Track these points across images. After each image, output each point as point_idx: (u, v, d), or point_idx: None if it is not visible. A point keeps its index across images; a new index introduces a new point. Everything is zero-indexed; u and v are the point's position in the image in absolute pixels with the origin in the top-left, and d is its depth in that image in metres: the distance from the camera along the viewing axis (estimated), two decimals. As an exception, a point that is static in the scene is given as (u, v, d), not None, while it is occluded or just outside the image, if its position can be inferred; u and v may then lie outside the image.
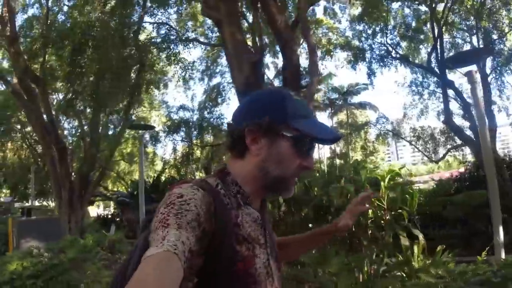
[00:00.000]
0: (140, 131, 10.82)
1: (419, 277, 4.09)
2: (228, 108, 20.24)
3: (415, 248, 5.04)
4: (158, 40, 12.49)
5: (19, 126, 17.85)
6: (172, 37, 12.71)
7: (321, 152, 21.50)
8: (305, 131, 0.91)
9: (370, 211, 4.60)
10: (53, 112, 13.03)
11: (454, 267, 4.76)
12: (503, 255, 5.67)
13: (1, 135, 18.02)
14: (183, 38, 13.58)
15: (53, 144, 11.97)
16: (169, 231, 0.71)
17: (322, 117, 22.01)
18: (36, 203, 20.86)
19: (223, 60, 17.06)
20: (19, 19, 13.75)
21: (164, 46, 12.24)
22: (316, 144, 1.00)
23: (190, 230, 0.74)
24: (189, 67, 14.27)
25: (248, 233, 0.90)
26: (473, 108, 6.55)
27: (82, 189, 12.53)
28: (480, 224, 12.06)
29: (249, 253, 0.88)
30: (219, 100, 19.25)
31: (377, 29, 14.41)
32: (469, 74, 6.25)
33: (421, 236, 4.80)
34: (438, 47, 13.86)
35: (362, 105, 21.12)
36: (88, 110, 12.61)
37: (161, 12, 12.63)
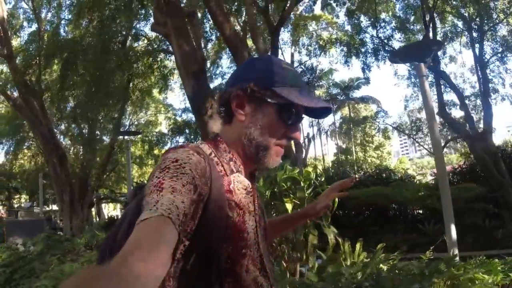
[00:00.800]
0: (127, 137, 11.15)
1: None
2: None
3: (346, 247, 5.00)
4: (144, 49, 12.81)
5: (31, 134, 18.83)
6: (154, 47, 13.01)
7: (326, 148, 21.24)
8: (290, 98, 0.88)
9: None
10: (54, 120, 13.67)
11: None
12: (456, 253, 5.55)
13: (16, 145, 19.05)
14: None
15: (53, 151, 12.61)
16: (164, 195, 0.71)
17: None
18: (55, 207, 21.94)
19: (223, 61, 17.30)
20: (22, 35, 14.59)
21: (147, 55, 12.54)
22: (305, 116, 0.97)
23: (185, 193, 0.73)
24: (168, 75, 14.30)
25: (239, 199, 0.90)
26: (423, 102, 6.38)
27: (81, 193, 13.11)
28: (475, 218, 11.65)
29: (239, 219, 0.89)
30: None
31: (369, 22, 14.10)
32: (417, 68, 6.12)
33: (331, 236, 4.74)
34: (431, 37, 13.43)
35: (363, 100, 20.63)
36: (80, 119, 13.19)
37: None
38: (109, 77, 11.43)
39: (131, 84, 12.74)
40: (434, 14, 13.18)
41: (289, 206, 4.93)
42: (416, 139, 15.81)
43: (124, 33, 11.87)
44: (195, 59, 6.25)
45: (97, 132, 13.40)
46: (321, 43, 16.55)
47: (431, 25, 13.32)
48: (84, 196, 13.22)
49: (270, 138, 0.91)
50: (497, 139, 19.28)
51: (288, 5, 11.41)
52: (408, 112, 17.14)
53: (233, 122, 0.93)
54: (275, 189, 4.94)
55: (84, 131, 13.20)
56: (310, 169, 5.39)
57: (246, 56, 6.89)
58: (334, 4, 16.27)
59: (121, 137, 11.79)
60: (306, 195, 4.97)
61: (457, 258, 5.44)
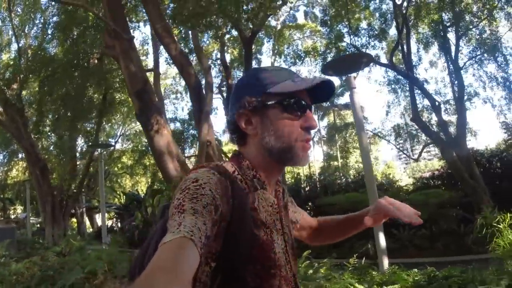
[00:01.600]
0: (99, 149, 11.44)
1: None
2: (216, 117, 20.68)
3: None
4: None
5: (23, 146, 19.44)
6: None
7: (312, 155, 21.30)
8: (287, 90, 0.89)
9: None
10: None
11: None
12: (385, 261, 5.66)
13: (9, 157, 19.63)
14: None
15: (36, 163, 13.03)
16: (185, 216, 0.71)
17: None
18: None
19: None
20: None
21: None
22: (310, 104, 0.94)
23: (206, 214, 0.73)
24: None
25: (265, 217, 0.89)
26: (353, 113, 6.54)
27: (62, 203, 13.50)
28: (449, 224, 11.63)
29: (267, 238, 0.87)
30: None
31: (344, 30, 14.26)
32: (347, 80, 6.27)
33: None
34: (405, 44, 13.54)
35: (347, 106, 20.77)
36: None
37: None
38: (83, 91, 11.85)
39: (107, 97, 13.19)
40: (408, 21, 13.32)
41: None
42: (395, 144, 15.88)
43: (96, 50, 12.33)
44: (138, 80, 6.63)
45: (78, 143, 13.92)
46: (299, 52, 16.72)
47: (404, 32, 13.46)
48: (65, 206, 13.61)
49: (288, 138, 0.89)
50: (486, 142, 19.09)
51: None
52: (389, 118, 17.15)
53: (248, 141, 0.93)
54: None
55: (63, 144, 13.65)
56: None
57: (192, 72, 7.24)
58: (309, 13, 16.62)
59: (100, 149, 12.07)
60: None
61: (386, 265, 5.57)
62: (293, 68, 17.91)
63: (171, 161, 6.85)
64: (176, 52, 7.18)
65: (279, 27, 19.20)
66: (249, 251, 0.81)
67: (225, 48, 14.99)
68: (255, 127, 0.91)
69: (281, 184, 1.01)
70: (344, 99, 20.90)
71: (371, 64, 14.74)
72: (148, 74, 10.50)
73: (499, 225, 4.39)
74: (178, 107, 29.15)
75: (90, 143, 13.03)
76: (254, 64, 16.97)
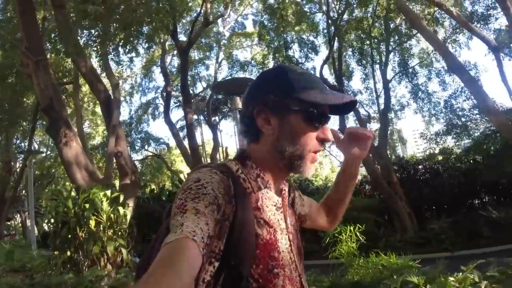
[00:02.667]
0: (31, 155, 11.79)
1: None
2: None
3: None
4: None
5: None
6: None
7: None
8: (313, 100, 0.87)
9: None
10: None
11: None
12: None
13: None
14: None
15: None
16: (188, 216, 0.71)
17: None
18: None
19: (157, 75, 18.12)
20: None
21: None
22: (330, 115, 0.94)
23: (208, 214, 0.73)
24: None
25: (268, 217, 0.89)
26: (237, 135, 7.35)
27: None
28: (368, 227, 12.62)
29: (270, 237, 0.87)
30: (156, 113, 20.40)
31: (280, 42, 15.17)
32: (233, 100, 7.14)
33: (125, 251, 5.69)
34: (336, 58, 14.65)
35: None
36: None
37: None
38: (18, 96, 12.20)
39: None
40: (339, 35, 14.42)
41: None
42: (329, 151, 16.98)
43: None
44: (45, 97, 7.30)
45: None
46: (241, 61, 17.59)
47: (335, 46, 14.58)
48: (1, 211, 13.86)
49: (303, 146, 0.89)
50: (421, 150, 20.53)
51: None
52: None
53: (261, 139, 0.92)
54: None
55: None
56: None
57: (101, 88, 7.95)
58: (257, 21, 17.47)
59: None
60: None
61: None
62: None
63: (79, 171, 7.50)
64: (86, 69, 7.86)
65: (227, 34, 20.05)
66: (253, 250, 0.82)
67: (165, 55, 15.54)
68: (272, 127, 0.90)
69: (286, 183, 1.01)
70: None
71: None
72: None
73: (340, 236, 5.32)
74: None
75: (20, 149, 13.38)
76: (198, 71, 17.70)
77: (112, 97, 7.80)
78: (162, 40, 13.84)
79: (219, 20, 17.80)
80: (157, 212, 16.88)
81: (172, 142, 19.83)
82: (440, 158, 15.20)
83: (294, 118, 0.89)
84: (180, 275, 0.60)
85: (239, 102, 6.98)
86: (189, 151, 13.57)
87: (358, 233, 5.21)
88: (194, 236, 0.67)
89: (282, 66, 0.97)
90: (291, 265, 0.90)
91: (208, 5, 14.16)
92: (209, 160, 16.86)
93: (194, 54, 18.71)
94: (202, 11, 13.36)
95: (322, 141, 0.92)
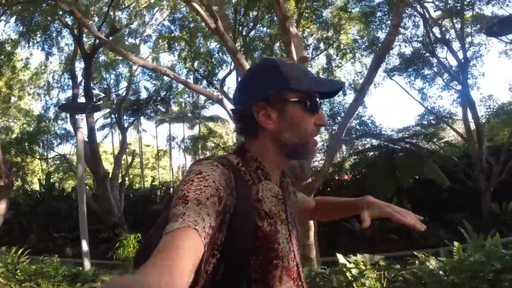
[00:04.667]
0: None
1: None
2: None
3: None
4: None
5: None
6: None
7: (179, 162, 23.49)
8: (311, 90, 0.95)
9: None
10: None
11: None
12: (87, 263, 7.85)
13: None
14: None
15: None
16: (189, 207, 0.74)
17: (179, 129, 24.36)
18: None
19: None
20: None
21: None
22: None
23: (210, 205, 0.76)
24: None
25: (269, 208, 0.93)
26: (77, 150, 8.70)
27: None
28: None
29: (271, 229, 0.91)
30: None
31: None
32: (72, 119, 8.54)
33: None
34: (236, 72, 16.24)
35: (212, 119, 23.61)
36: None
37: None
38: None
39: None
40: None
41: None
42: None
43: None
44: None
45: None
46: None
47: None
48: None
49: (305, 134, 0.96)
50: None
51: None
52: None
53: (260, 134, 0.97)
54: None
55: None
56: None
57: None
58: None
59: None
60: None
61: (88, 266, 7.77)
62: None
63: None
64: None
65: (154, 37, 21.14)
66: (253, 242, 0.86)
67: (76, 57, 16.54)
68: (274, 121, 0.94)
69: (286, 176, 1.07)
70: (209, 111, 23.77)
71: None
72: None
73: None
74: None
75: None
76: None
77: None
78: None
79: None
80: (64, 211, 17.87)
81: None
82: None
83: (293, 108, 0.94)
84: (182, 263, 0.63)
85: (80, 122, 8.31)
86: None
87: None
88: (196, 225, 0.70)
89: (271, 60, 1.01)
90: (289, 255, 0.94)
91: (117, 13, 15.40)
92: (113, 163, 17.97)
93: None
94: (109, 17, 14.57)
95: (319, 126, 0.98)
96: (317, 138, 1.00)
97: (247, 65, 8.43)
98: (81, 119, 8.52)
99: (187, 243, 0.67)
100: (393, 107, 61.14)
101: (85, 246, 8.05)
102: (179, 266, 0.62)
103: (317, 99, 0.96)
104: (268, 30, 15.87)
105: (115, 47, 10.39)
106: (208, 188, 0.79)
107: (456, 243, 4.45)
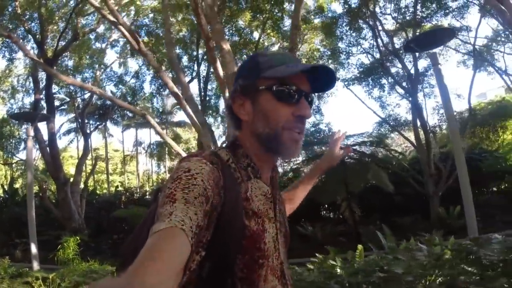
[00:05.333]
0: None
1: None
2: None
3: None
4: None
5: None
6: None
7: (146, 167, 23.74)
8: (277, 75, 0.92)
9: None
10: None
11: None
12: (36, 264, 8.16)
13: None
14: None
15: None
16: (177, 206, 0.74)
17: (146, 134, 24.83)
18: None
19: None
20: None
21: None
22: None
23: (197, 204, 0.76)
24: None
25: (257, 207, 0.93)
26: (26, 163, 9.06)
27: None
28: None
29: (258, 228, 0.91)
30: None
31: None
32: (27, 129, 8.89)
33: None
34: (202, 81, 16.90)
35: (180, 124, 24.13)
36: None
37: None
38: None
39: None
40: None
41: None
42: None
43: None
44: None
45: None
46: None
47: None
48: None
49: (275, 123, 0.93)
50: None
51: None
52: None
53: (242, 126, 0.99)
54: None
55: None
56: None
57: None
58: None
59: None
60: None
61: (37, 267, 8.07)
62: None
63: None
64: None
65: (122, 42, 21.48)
66: (239, 241, 0.86)
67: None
68: (248, 111, 0.96)
69: (277, 171, 1.07)
70: (177, 117, 24.16)
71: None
72: None
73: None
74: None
75: None
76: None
77: None
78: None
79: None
80: (26, 217, 17.89)
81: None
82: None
83: (264, 97, 0.94)
84: (169, 264, 0.63)
85: (31, 131, 8.68)
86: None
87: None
88: (183, 225, 0.69)
89: (255, 53, 1.06)
90: (274, 254, 0.94)
91: (80, 19, 15.74)
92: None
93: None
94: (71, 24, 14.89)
95: (299, 117, 0.94)
96: (297, 132, 0.95)
97: (170, 83, 9.13)
98: (31, 128, 8.82)
99: (174, 243, 0.67)
100: (356, 114, 64.10)
101: (33, 249, 8.38)
102: (167, 267, 0.63)
103: (291, 86, 0.93)
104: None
105: (46, 68, 11.10)
106: (196, 187, 0.79)
107: (359, 247, 4.54)
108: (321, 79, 0.97)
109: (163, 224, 0.69)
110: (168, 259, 0.64)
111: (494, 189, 18.26)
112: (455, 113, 16.69)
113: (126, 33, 8.20)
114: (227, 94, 7.20)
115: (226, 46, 6.84)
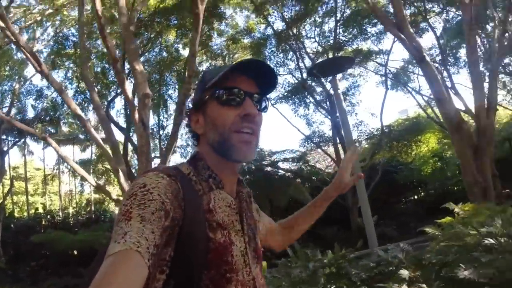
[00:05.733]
0: None
1: None
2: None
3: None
4: None
5: None
6: None
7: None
8: (215, 80, 0.93)
9: None
10: None
11: None
12: None
13: None
14: None
15: None
16: (132, 224, 0.71)
17: (70, 151, 24.07)
18: None
19: None
20: None
21: None
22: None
23: (154, 221, 0.73)
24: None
25: (222, 218, 0.90)
26: None
27: None
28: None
29: (225, 240, 0.88)
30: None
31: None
32: None
33: None
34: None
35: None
36: None
37: None
38: None
39: None
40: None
41: None
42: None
43: None
44: None
45: None
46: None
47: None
48: None
49: (223, 128, 0.93)
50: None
51: None
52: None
53: (200, 140, 1.00)
54: None
55: None
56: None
57: None
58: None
59: None
60: None
61: None
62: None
63: None
64: None
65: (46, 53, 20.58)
66: (204, 255, 0.83)
67: None
68: (201, 125, 0.98)
69: (245, 186, 1.06)
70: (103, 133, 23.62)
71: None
72: None
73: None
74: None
75: None
76: None
77: None
78: None
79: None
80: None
81: None
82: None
83: (210, 107, 0.96)
84: (125, 287, 0.62)
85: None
86: None
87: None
88: (138, 247, 0.68)
89: (204, 71, 1.09)
90: (244, 268, 0.91)
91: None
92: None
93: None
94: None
95: (245, 117, 0.94)
96: (247, 133, 0.95)
97: (72, 104, 9.18)
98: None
99: (129, 267, 0.66)
100: (283, 133, 66.70)
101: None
102: None
103: (230, 88, 0.95)
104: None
105: None
106: (153, 202, 0.76)
107: (264, 263, 5.23)
108: (267, 80, 1.00)
109: (117, 246, 0.68)
110: (123, 283, 0.63)
111: (414, 198, 20.09)
112: (373, 129, 18.42)
113: (28, 55, 8.16)
114: (136, 116, 7.36)
115: (139, 67, 7.06)
